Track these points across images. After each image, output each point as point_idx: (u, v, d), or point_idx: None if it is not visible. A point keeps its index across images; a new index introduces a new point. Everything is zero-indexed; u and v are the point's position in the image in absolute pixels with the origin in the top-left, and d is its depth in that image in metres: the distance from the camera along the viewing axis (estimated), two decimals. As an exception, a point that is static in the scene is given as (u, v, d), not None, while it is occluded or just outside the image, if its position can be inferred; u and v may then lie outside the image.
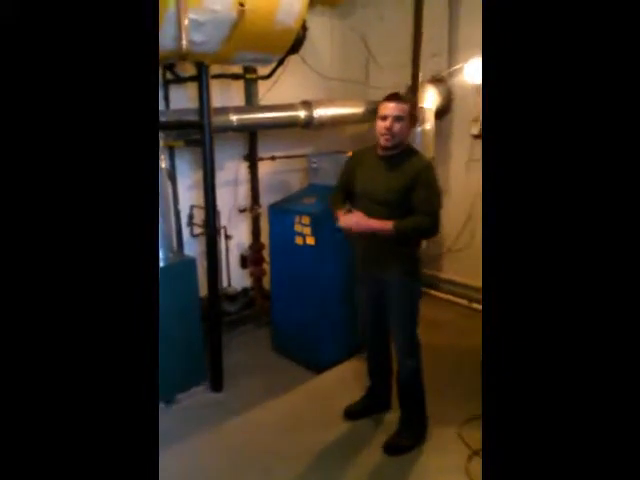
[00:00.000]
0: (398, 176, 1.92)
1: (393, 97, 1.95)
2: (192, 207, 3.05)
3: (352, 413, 2.38)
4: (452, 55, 3.51)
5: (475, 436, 2.15)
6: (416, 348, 2.13)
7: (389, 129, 1.90)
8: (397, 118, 1.90)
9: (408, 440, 2.17)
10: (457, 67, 3.48)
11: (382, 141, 1.94)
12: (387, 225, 1.87)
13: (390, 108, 1.91)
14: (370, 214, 1.93)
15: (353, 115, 3.30)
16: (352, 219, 1.94)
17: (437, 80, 3.50)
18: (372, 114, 3.39)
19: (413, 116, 2.03)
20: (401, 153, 1.97)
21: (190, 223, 3.08)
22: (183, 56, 2.09)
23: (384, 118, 1.91)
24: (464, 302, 3.61)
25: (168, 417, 2.39)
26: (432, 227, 1.91)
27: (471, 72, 3.38)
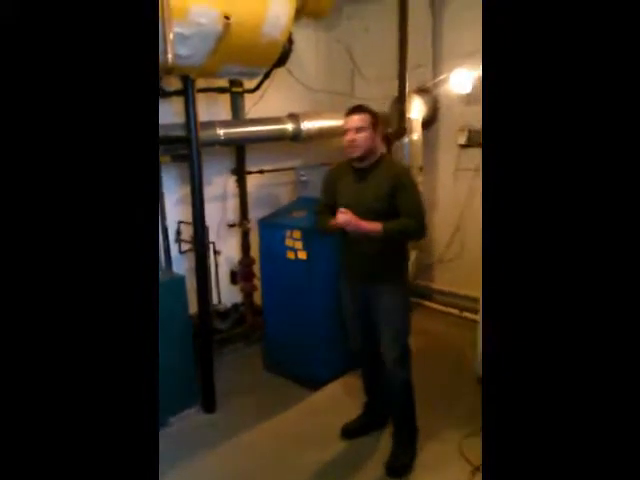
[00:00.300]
0: (378, 184, 1.95)
1: (353, 110, 1.99)
2: (180, 223, 2.99)
3: (349, 432, 2.32)
4: (436, 65, 3.54)
5: (476, 451, 2.10)
6: (406, 359, 2.10)
7: (352, 141, 1.93)
8: (358, 129, 1.93)
9: (405, 456, 2.12)
10: (442, 77, 3.50)
11: (349, 154, 1.98)
12: (377, 226, 1.89)
13: (350, 121, 1.96)
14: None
15: (340, 127, 3.26)
16: (345, 217, 1.92)
17: (422, 90, 3.52)
18: (359, 125, 3.40)
19: (376, 125, 1.97)
20: (376, 162, 1.99)
21: (178, 239, 3.01)
22: (169, 70, 2.05)
23: (347, 132, 1.96)
24: (455, 312, 3.59)
25: (161, 441, 2.28)
26: (419, 228, 1.95)
27: (456, 82, 3.40)
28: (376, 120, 1.98)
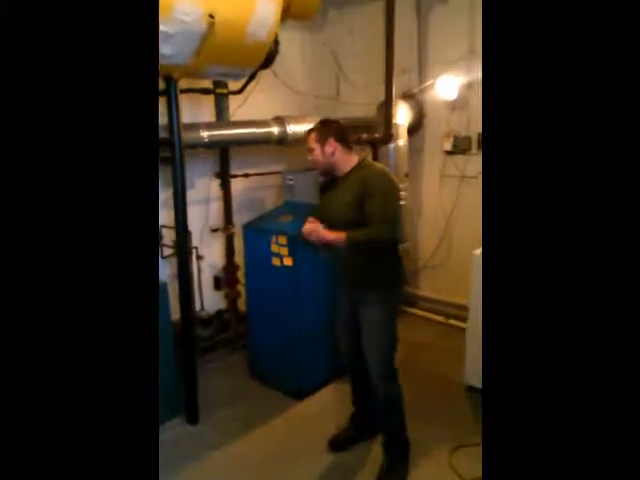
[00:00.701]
0: (348, 193, 1.91)
1: (307, 133, 2.04)
2: (162, 227, 2.90)
3: (337, 443, 2.26)
4: (422, 71, 3.53)
5: (467, 465, 2.07)
6: (392, 375, 2.04)
7: (310, 162, 2.02)
8: (310, 150, 1.99)
9: (398, 474, 2.05)
10: (428, 83, 3.50)
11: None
12: (340, 236, 1.85)
13: (307, 143, 2.01)
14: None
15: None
16: (309, 227, 1.90)
17: (408, 96, 3.51)
18: (346, 130, 3.36)
19: (327, 137, 1.94)
20: (350, 171, 1.97)
21: (160, 244, 2.92)
22: (152, 69, 1.97)
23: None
24: (441, 319, 3.57)
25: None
26: (385, 233, 1.86)
27: (442, 88, 3.40)
28: (327, 132, 1.95)
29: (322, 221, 1.93)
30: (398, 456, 2.08)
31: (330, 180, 2.06)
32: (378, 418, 2.11)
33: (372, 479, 2.05)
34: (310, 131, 2.03)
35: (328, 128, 1.98)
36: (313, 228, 1.88)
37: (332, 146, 1.94)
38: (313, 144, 1.98)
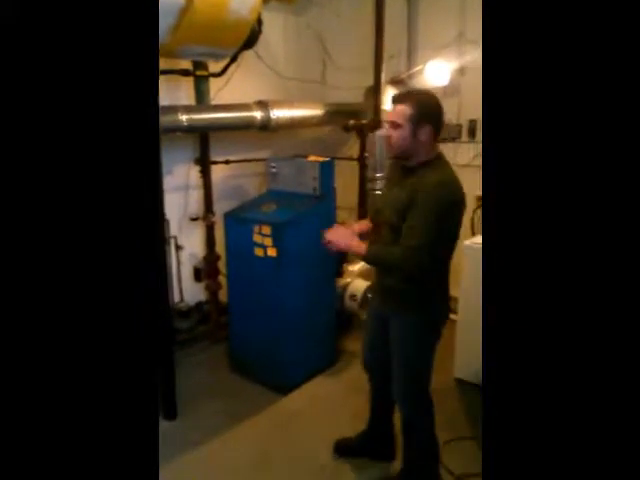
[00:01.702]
0: (402, 191, 1.61)
1: (396, 98, 1.65)
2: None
3: (341, 448, 2.12)
4: (411, 56, 3.43)
5: (457, 459, 2.01)
6: (416, 403, 1.80)
7: (387, 137, 1.65)
8: (394, 124, 1.61)
9: None
10: (417, 69, 3.40)
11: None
12: (361, 249, 1.65)
13: (390, 112, 1.66)
14: (378, 239, 1.71)
15: (312, 117, 3.13)
16: (334, 234, 1.71)
17: (397, 82, 3.40)
18: (332, 116, 3.26)
19: (423, 120, 1.57)
20: (421, 165, 1.62)
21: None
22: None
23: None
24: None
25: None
26: (411, 262, 1.55)
27: (431, 74, 3.30)
28: (428, 116, 1.58)
29: (373, 216, 1.75)
30: None
31: (397, 167, 1.74)
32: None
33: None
34: (400, 100, 1.61)
35: (428, 109, 1.59)
36: (337, 238, 1.67)
37: (427, 134, 1.58)
38: (403, 120, 1.58)
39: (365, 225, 1.91)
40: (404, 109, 1.58)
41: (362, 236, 1.83)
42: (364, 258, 1.69)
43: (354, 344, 3.02)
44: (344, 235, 1.71)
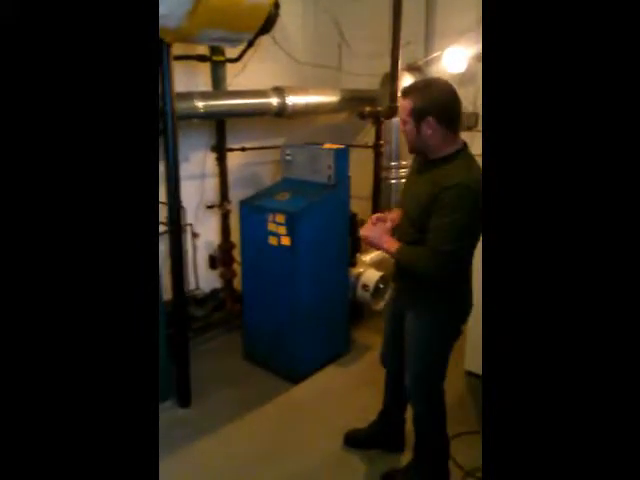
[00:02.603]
0: (424, 186, 1.55)
1: (401, 92, 1.60)
2: (153, 203, 2.77)
3: (351, 439, 2.12)
4: (428, 43, 3.35)
5: (467, 454, 2.00)
6: (427, 400, 1.78)
7: (402, 132, 1.61)
8: (401, 120, 1.58)
9: None
10: (434, 55, 3.33)
11: None
12: (392, 248, 1.60)
13: (399, 108, 1.63)
14: (401, 235, 1.66)
15: (328, 104, 3.10)
16: (370, 230, 1.65)
17: (413, 68, 3.33)
18: (348, 103, 3.21)
19: (426, 113, 1.50)
20: (440, 159, 1.55)
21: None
22: (140, 31, 1.82)
23: None
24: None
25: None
26: (430, 268, 1.51)
27: (449, 61, 3.23)
28: (427, 108, 1.50)
29: (399, 206, 1.71)
30: None
31: (420, 159, 1.67)
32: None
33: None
34: (404, 94, 1.56)
35: (429, 101, 1.51)
36: (372, 234, 1.63)
37: (430, 127, 1.51)
38: (405, 116, 1.54)
39: (399, 215, 1.88)
40: (406, 104, 1.54)
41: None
42: (395, 256, 1.64)
43: (366, 334, 3.01)
44: (379, 231, 1.65)
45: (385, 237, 1.64)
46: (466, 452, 2.00)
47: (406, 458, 2.00)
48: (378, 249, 1.73)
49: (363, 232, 1.69)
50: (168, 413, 2.34)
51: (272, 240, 2.45)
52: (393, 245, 1.61)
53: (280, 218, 2.40)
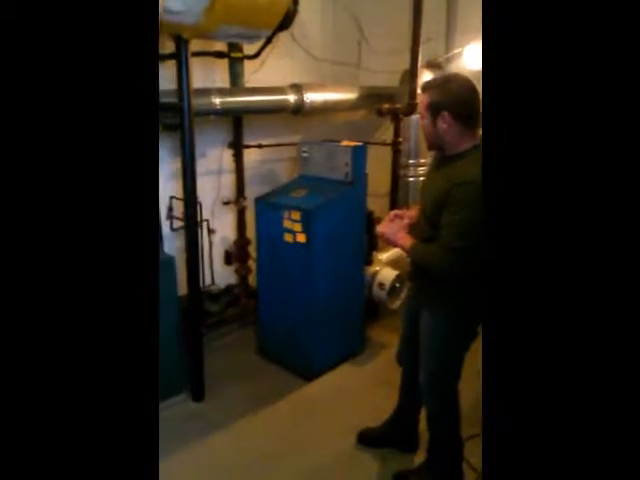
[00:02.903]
0: (440, 182, 1.54)
1: (421, 87, 1.61)
2: (172, 198, 2.80)
3: (364, 437, 2.11)
4: (449, 39, 3.30)
5: (477, 457, 1.96)
6: (443, 395, 1.76)
7: (421, 128, 1.62)
8: (420, 115, 1.60)
9: None
10: (455, 52, 3.28)
11: None
12: (407, 245, 1.60)
13: (419, 102, 1.67)
14: (417, 232, 1.65)
15: (346, 101, 3.07)
16: (387, 227, 1.66)
17: (433, 65, 3.29)
18: (366, 100, 3.19)
19: (443, 108, 1.50)
20: (456, 156, 1.55)
21: (170, 216, 2.83)
22: (158, 26, 1.83)
23: None
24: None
25: (144, 431, 2.16)
26: (443, 265, 1.51)
27: (470, 57, 3.17)
28: (443, 102, 1.50)
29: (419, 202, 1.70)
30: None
31: (438, 155, 1.68)
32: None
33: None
34: (423, 89, 1.59)
35: (446, 96, 1.51)
36: (388, 229, 1.63)
37: (446, 122, 1.52)
38: (423, 110, 1.58)
39: (417, 213, 1.86)
40: (424, 98, 1.56)
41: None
42: (410, 254, 1.64)
43: (382, 333, 2.99)
44: (396, 228, 1.66)
45: (400, 234, 1.64)
46: (480, 454, 1.96)
47: (419, 458, 1.98)
48: (394, 246, 1.72)
49: (380, 228, 1.70)
50: (181, 406, 2.36)
51: (287, 237, 2.44)
52: (407, 242, 1.61)
53: (296, 215, 2.39)
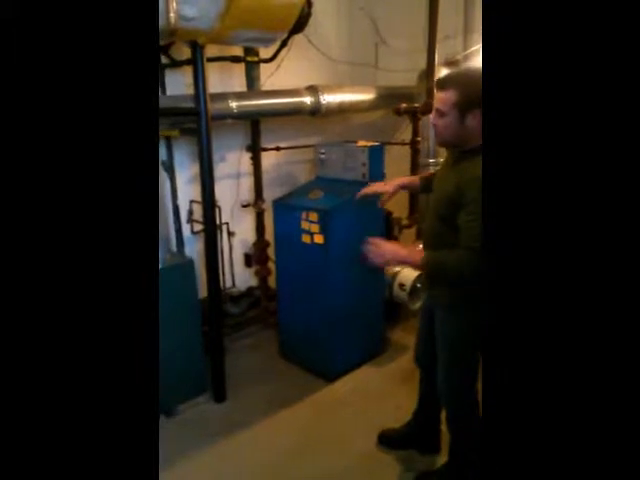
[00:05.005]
0: (450, 181, 1.50)
1: (437, 83, 1.53)
2: (192, 202, 2.84)
3: (385, 439, 2.09)
4: (467, 37, 3.26)
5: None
6: (461, 398, 1.73)
7: (433, 125, 1.55)
8: (439, 112, 1.49)
9: None
10: (473, 49, 3.23)
11: None
12: (416, 258, 1.53)
13: (434, 99, 1.55)
14: (426, 229, 1.63)
15: (363, 102, 3.06)
16: (380, 252, 1.57)
17: (451, 63, 3.25)
18: (384, 100, 3.17)
19: (471, 106, 1.43)
20: (471, 151, 1.48)
21: (190, 219, 2.87)
22: (172, 32, 1.86)
23: None
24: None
25: (168, 430, 2.19)
26: (462, 267, 1.43)
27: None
28: (475, 99, 1.39)
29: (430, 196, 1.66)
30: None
31: (451, 151, 1.60)
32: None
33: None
34: (442, 85, 1.48)
35: (476, 92, 1.33)
36: (382, 253, 1.55)
37: (476, 119, 1.43)
38: (448, 108, 1.45)
39: (409, 180, 1.83)
40: (449, 95, 1.45)
41: (405, 188, 1.95)
42: (423, 267, 1.54)
43: (402, 334, 2.96)
44: (390, 250, 1.58)
45: (396, 247, 1.59)
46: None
47: (442, 459, 1.95)
48: (402, 263, 1.66)
49: (375, 258, 1.59)
50: (203, 407, 2.38)
51: (305, 238, 2.45)
52: (415, 255, 1.55)
53: (313, 216, 2.39)
